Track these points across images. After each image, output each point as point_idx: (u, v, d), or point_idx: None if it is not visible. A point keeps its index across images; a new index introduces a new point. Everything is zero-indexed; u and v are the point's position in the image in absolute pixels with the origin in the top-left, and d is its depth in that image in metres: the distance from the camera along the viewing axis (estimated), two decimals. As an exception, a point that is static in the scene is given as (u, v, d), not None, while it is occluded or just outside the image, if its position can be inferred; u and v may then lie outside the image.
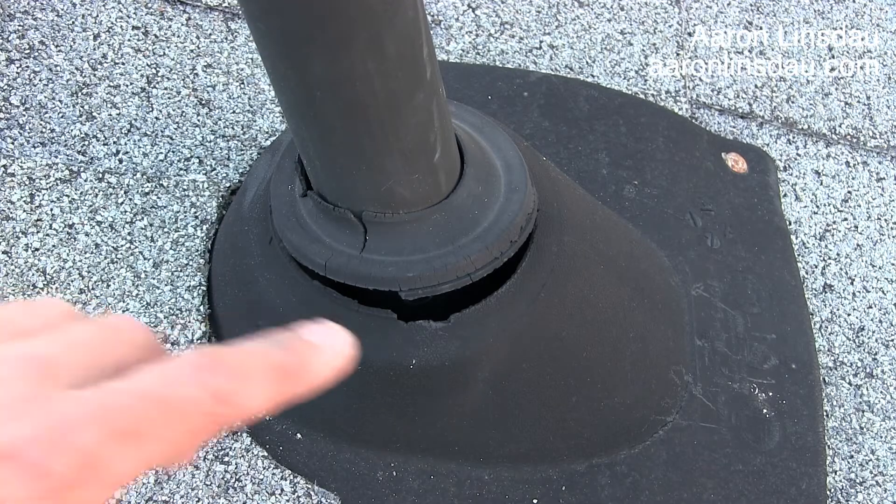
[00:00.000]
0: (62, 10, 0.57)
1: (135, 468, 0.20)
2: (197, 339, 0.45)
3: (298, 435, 0.43)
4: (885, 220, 0.64)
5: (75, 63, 0.54)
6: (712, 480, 0.46)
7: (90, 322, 0.23)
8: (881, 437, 0.53)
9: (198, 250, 0.49)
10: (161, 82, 0.56)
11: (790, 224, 0.62)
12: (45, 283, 0.45)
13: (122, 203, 0.49)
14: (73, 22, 0.56)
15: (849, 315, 0.58)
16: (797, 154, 0.67)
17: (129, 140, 0.52)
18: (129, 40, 0.57)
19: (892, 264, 0.62)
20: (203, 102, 0.56)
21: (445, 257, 0.33)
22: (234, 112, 0.56)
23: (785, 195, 0.64)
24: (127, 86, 0.55)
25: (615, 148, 0.60)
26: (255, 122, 0.56)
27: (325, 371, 0.25)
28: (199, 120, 0.55)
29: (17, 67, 0.53)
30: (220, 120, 0.55)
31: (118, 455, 0.20)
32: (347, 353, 0.26)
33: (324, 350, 0.25)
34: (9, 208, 0.47)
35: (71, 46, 0.55)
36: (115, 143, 0.52)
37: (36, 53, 0.54)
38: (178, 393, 0.21)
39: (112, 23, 0.57)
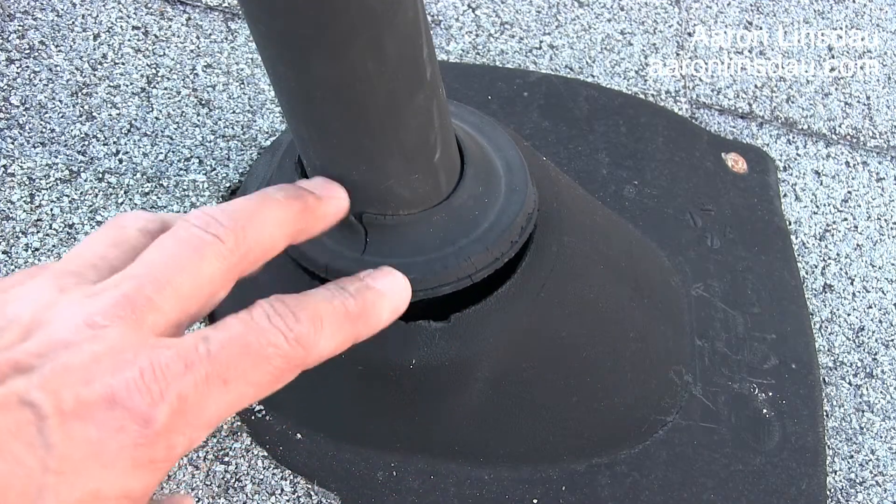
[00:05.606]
0: (62, 10, 0.57)
1: (223, 411, 0.21)
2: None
3: (298, 435, 0.43)
4: (885, 220, 0.64)
5: (75, 63, 0.54)
6: (712, 480, 0.46)
7: (170, 241, 0.23)
8: (881, 437, 0.53)
9: (198, 250, 0.49)
10: (161, 82, 0.56)
11: (790, 224, 0.62)
12: (46, 283, 0.45)
13: (122, 203, 0.49)
14: (73, 22, 0.56)
15: (849, 315, 0.58)
16: (797, 154, 0.67)
17: (129, 140, 0.52)
18: (129, 40, 0.57)
19: (892, 264, 0.62)
20: (203, 102, 0.56)
21: (445, 259, 0.33)
22: (234, 112, 0.56)
23: (785, 195, 0.64)
24: (127, 86, 0.55)
25: (615, 148, 0.60)
26: (255, 122, 0.56)
27: (388, 314, 0.27)
28: (199, 120, 0.55)
29: (17, 67, 0.53)
30: (220, 120, 0.55)
31: (210, 400, 0.21)
32: (406, 296, 0.28)
33: (386, 295, 0.26)
34: (9, 208, 0.47)
35: (71, 46, 0.55)
36: (115, 143, 0.52)
37: (36, 53, 0.54)
38: (261, 339, 0.22)
39: (112, 23, 0.57)
